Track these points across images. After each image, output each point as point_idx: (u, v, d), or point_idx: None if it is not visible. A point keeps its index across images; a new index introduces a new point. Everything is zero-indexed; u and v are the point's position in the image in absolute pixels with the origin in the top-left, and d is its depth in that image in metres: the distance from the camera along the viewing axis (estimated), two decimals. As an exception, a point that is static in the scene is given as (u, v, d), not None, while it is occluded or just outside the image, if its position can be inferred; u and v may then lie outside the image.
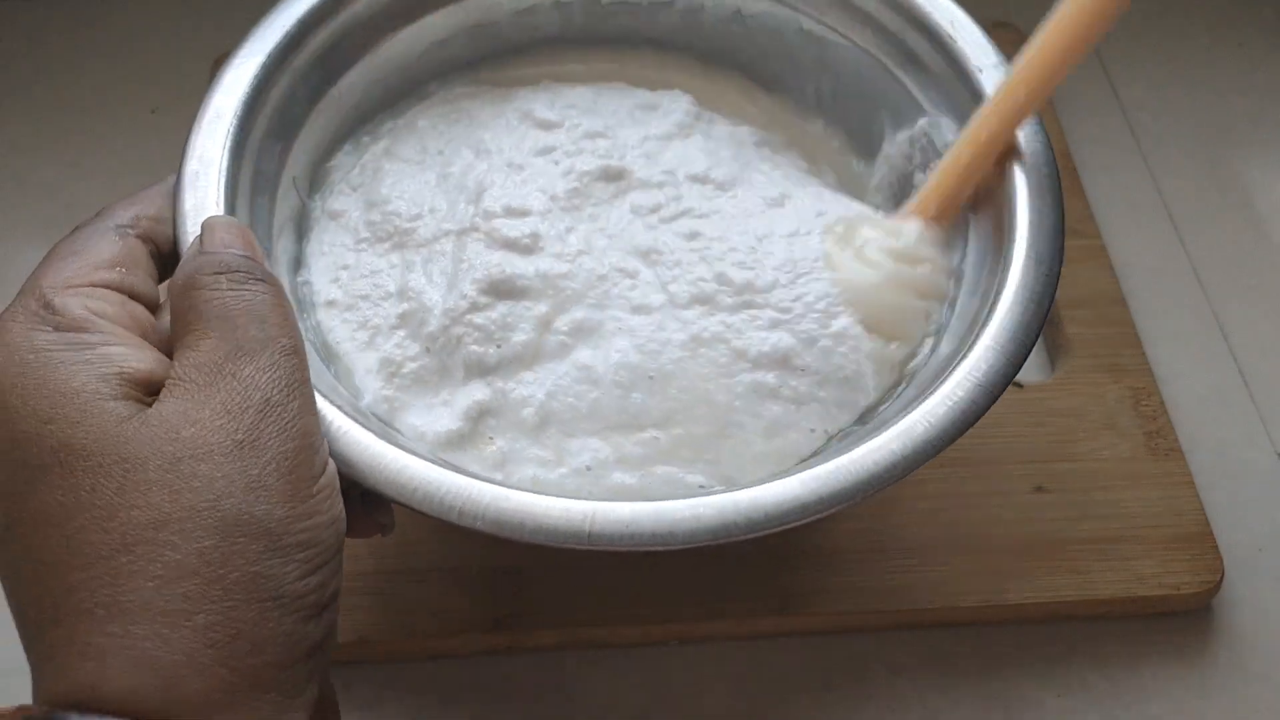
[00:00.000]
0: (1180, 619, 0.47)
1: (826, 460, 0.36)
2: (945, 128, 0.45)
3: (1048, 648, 0.46)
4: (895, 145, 0.47)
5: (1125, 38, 0.66)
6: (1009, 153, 0.42)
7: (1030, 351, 0.38)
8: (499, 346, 0.41)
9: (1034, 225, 0.40)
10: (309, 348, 0.40)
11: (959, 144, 0.43)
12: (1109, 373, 0.52)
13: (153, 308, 0.35)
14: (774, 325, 0.42)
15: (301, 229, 0.46)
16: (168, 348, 0.33)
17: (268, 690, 0.29)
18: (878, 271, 0.42)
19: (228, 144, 0.40)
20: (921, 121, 0.46)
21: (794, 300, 0.42)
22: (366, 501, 0.36)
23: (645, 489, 0.40)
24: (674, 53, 0.52)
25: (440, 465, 0.35)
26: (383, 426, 0.40)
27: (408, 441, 0.39)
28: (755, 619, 0.46)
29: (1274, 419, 0.53)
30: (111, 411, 0.30)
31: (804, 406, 0.41)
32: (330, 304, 0.44)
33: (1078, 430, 0.50)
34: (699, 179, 0.46)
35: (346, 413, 0.36)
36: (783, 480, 0.35)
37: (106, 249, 0.35)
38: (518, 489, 0.35)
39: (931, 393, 0.37)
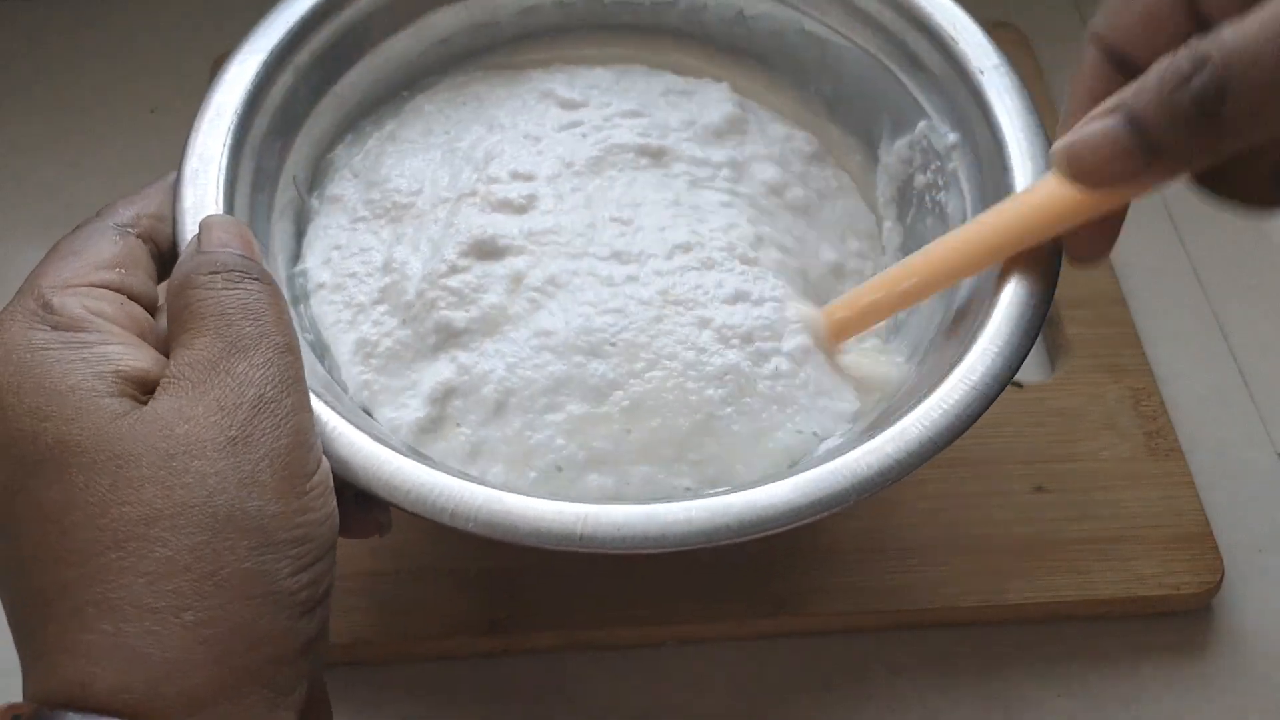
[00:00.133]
0: (1180, 619, 0.47)
1: (820, 463, 0.35)
2: (944, 131, 0.45)
3: (1048, 648, 0.46)
4: (893, 154, 0.47)
5: (1125, 38, 0.66)
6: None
7: (1027, 354, 0.37)
8: (467, 310, 0.41)
9: None
10: (303, 344, 0.40)
11: (872, 283, 0.42)
12: (1109, 373, 0.52)
13: (151, 308, 0.36)
14: (737, 306, 0.42)
15: (301, 224, 0.46)
16: (165, 348, 0.34)
17: (259, 687, 0.29)
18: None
19: (228, 141, 0.40)
20: (921, 125, 0.46)
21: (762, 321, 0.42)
22: (361, 502, 0.36)
23: (621, 493, 0.39)
24: (689, 41, 0.52)
25: (433, 466, 0.35)
26: (374, 424, 0.40)
27: (395, 439, 0.39)
28: (754, 619, 0.46)
29: (1274, 419, 0.53)
30: (106, 408, 0.30)
31: (786, 408, 0.41)
32: (320, 287, 0.44)
33: (1078, 430, 0.50)
34: (775, 190, 0.47)
35: (340, 413, 0.36)
36: (776, 483, 0.35)
37: (106, 249, 0.35)
38: (511, 491, 0.35)
39: (927, 395, 0.36)
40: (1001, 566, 0.47)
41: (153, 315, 0.35)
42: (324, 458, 0.33)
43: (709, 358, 0.41)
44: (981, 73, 0.43)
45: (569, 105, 0.48)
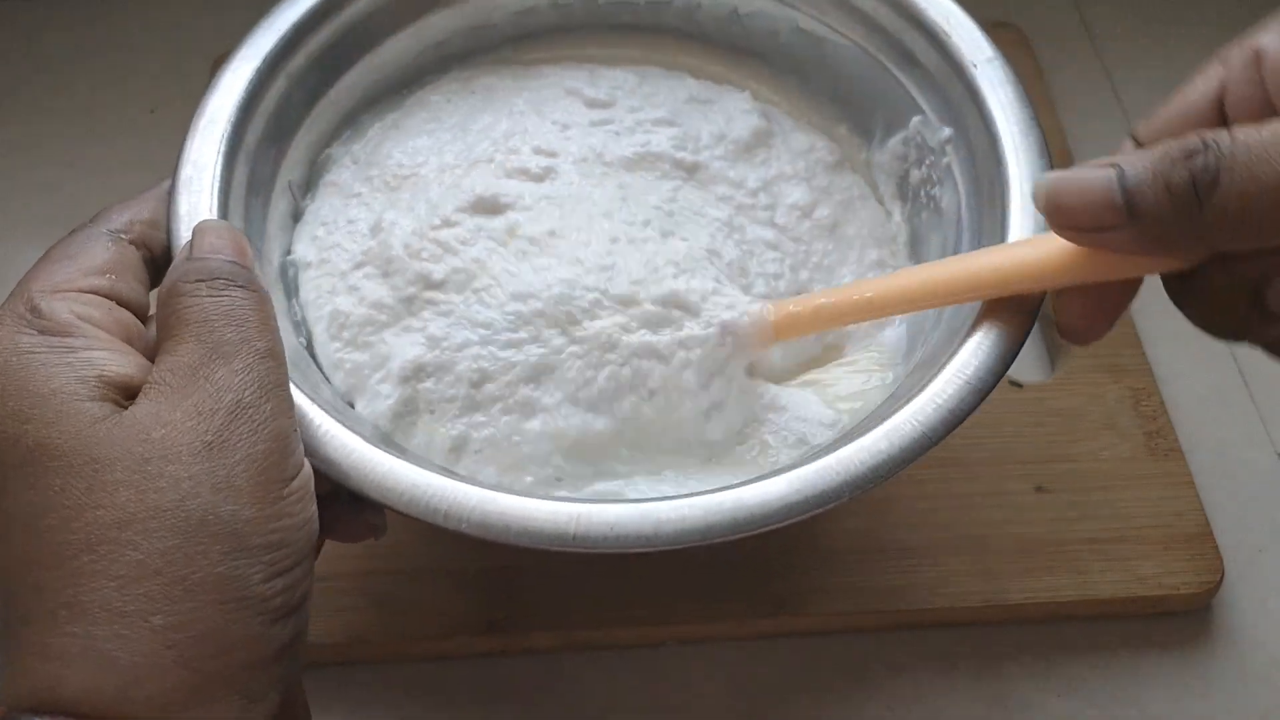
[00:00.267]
0: (1180, 619, 0.47)
1: (813, 459, 0.35)
2: (938, 126, 0.45)
3: (1048, 648, 0.46)
4: (887, 151, 0.48)
5: (1125, 37, 0.66)
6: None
7: (1020, 349, 0.37)
8: (448, 262, 0.42)
9: (1028, 223, 0.40)
10: (296, 342, 0.40)
11: (833, 289, 0.43)
12: (1109, 373, 0.52)
13: (142, 314, 0.36)
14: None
15: (297, 223, 0.46)
16: (154, 354, 0.34)
17: (230, 693, 0.29)
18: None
19: (222, 148, 0.40)
20: (914, 120, 0.46)
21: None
22: (354, 504, 0.36)
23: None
24: (688, 42, 0.52)
25: (425, 467, 0.35)
26: (364, 423, 0.40)
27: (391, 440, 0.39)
28: (754, 619, 0.46)
29: (1274, 419, 0.52)
30: (86, 412, 0.30)
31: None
32: (307, 266, 0.44)
33: (1077, 430, 0.50)
34: (805, 212, 0.47)
35: (331, 413, 0.36)
36: (769, 480, 0.35)
37: (98, 254, 0.35)
38: (504, 491, 0.35)
39: (920, 391, 0.36)
40: (1001, 566, 0.47)
41: (143, 321, 0.36)
42: (306, 463, 0.33)
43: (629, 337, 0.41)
44: (975, 66, 0.43)
45: (595, 104, 0.48)
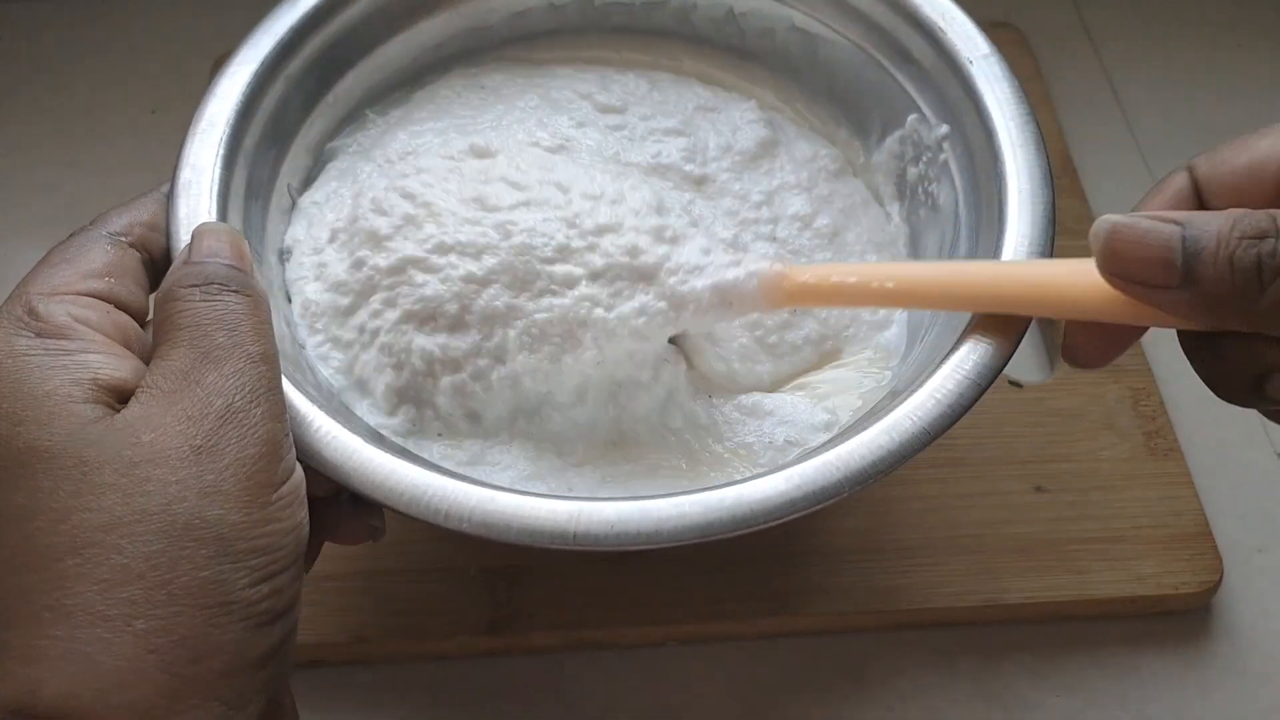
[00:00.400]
0: (1180, 619, 0.47)
1: (813, 456, 0.35)
2: (934, 123, 0.45)
3: (1047, 648, 0.46)
4: (884, 150, 0.48)
5: (1125, 37, 0.66)
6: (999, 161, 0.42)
7: (1018, 344, 0.37)
8: (397, 210, 0.42)
9: (1025, 218, 0.40)
10: (291, 336, 0.40)
11: (852, 267, 0.42)
12: (1108, 372, 0.52)
13: (140, 317, 0.36)
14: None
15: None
16: (150, 359, 0.34)
17: (210, 699, 0.29)
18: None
19: (220, 151, 0.41)
20: (911, 118, 0.46)
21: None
22: (355, 505, 0.36)
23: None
24: (688, 42, 0.52)
25: (426, 467, 0.35)
26: (364, 423, 0.40)
27: (387, 440, 0.39)
28: (754, 619, 0.46)
29: (1274, 419, 0.53)
30: (78, 414, 0.31)
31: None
32: (297, 244, 0.44)
33: (1077, 430, 0.50)
34: (805, 222, 0.47)
35: (330, 413, 0.36)
36: (769, 476, 0.35)
37: (97, 257, 0.35)
38: (504, 490, 0.35)
39: (918, 387, 0.36)
40: (1001, 566, 0.47)
41: (142, 325, 0.36)
42: (297, 468, 0.33)
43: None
44: (971, 62, 0.43)
45: (608, 109, 0.48)
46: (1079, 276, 0.34)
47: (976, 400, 0.36)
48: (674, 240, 0.41)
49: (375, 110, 0.49)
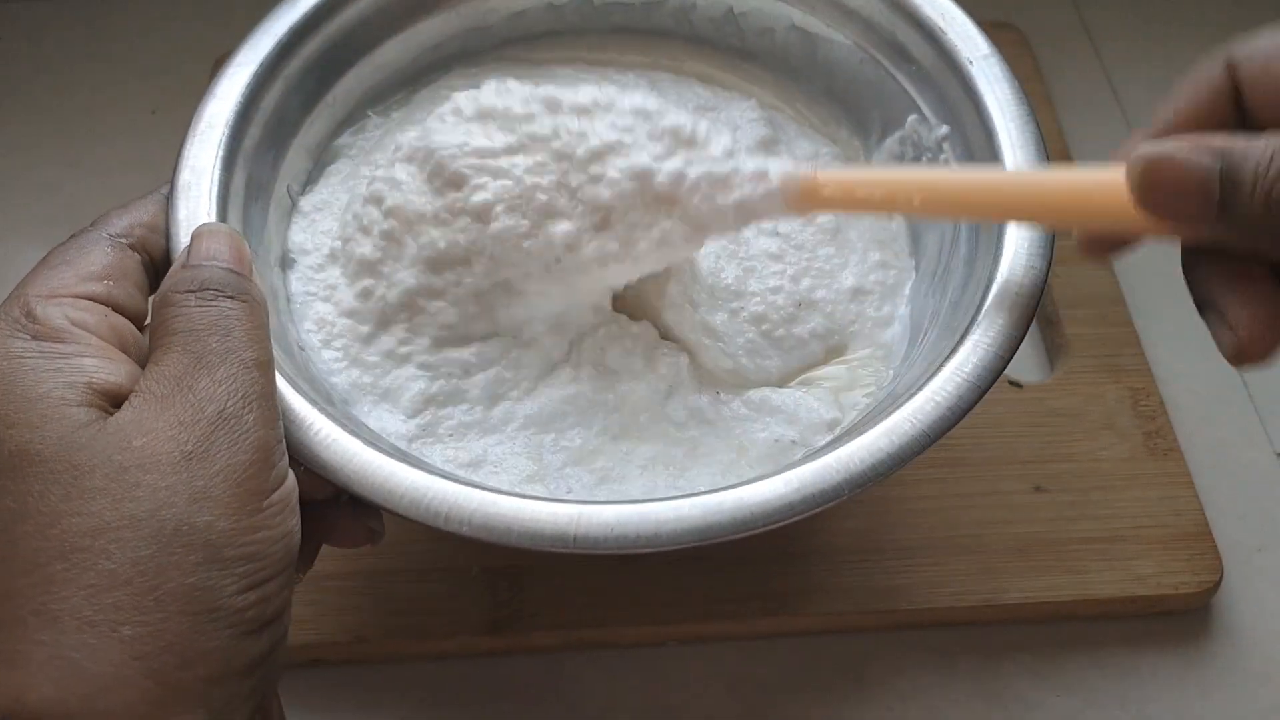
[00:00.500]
0: (1179, 619, 0.47)
1: (813, 459, 0.35)
2: (934, 123, 0.45)
3: (1047, 648, 0.46)
4: (884, 151, 0.48)
5: (1125, 37, 0.66)
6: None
7: (1018, 347, 0.37)
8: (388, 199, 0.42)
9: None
10: (296, 348, 0.40)
11: (877, 178, 0.40)
12: (1108, 373, 0.52)
13: (139, 320, 0.36)
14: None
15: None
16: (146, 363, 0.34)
17: (197, 705, 0.29)
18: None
19: (220, 153, 0.41)
20: (910, 119, 0.46)
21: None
22: (354, 507, 0.36)
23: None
24: (688, 42, 0.52)
25: (426, 470, 0.35)
26: (364, 427, 0.40)
27: (386, 442, 0.40)
28: (754, 620, 0.46)
29: (1273, 419, 0.53)
30: (71, 418, 0.30)
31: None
32: (304, 254, 0.44)
33: (1077, 430, 0.50)
34: (806, 219, 0.47)
35: (330, 416, 0.36)
36: (769, 479, 0.35)
37: (97, 260, 0.35)
38: (504, 493, 0.35)
39: (919, 390, 0.36)
40: (1001, 566, 0.47)
41: (140, 328, 0.35)
42: (290, 475, 0.33)
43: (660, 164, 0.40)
44: (971, 63, 0.43)
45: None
46: (1107, 186, 0.33)
47: (976, 403, 0.36)
48: (690, 143, 0.40)
49: (376, 111, 0.49)
